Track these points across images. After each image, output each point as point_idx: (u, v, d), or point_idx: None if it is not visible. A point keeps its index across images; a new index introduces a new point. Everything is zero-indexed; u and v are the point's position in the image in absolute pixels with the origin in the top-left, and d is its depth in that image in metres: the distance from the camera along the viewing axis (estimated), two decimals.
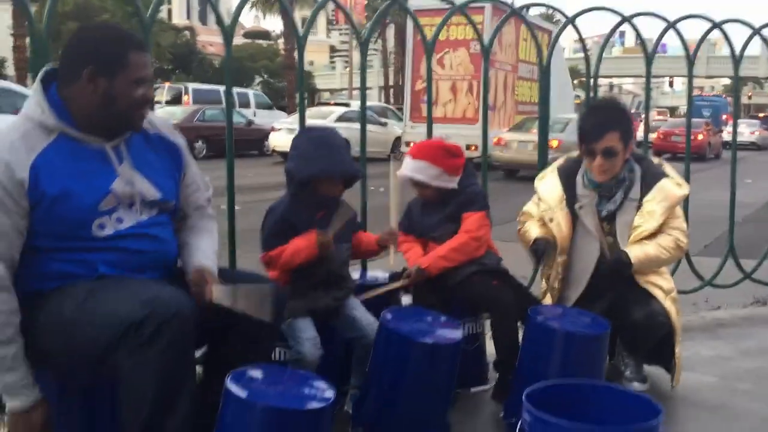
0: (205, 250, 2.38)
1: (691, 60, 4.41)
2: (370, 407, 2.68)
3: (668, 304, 3.08)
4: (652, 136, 21.85)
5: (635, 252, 3.02)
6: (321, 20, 69.04)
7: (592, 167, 3.10)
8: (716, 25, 4.49)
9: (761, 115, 42.05)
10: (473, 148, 12.09)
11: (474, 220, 3.08)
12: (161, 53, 32.85)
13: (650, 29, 4.57)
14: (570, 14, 4.16)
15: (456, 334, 2.69)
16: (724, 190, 5.01)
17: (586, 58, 4.21)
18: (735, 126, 5.08)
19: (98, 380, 2.18)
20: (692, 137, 5.51)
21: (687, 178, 3.77)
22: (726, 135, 25.37)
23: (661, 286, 3.12)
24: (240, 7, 3.49)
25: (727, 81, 60.53)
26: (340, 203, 2.89)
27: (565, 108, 17.52)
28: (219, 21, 3.21)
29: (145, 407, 1.99)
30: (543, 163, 3.95)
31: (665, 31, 4.38)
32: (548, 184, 3.25)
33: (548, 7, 4.76)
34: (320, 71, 56.60)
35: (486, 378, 3.25)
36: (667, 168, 3.22)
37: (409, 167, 3.11)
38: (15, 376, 2.06)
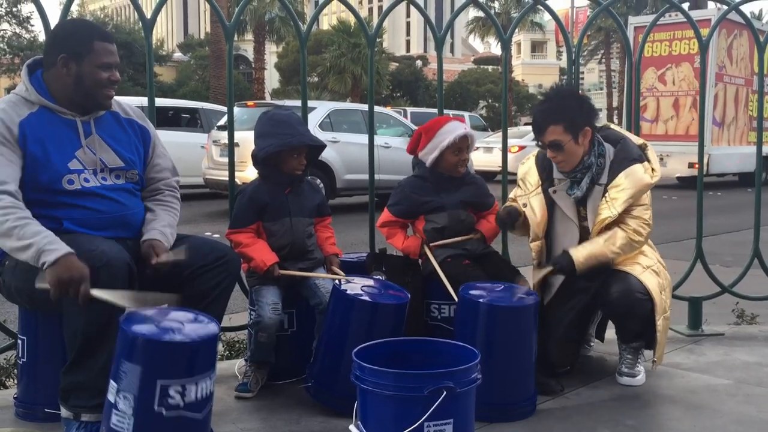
0: (160, 224, 2.67)
1: None
2: (317, 366, 2.86)
3: (647, 276, 2.99)
4: None
5: (579, 254, 2.96)
6: (551, 44, 68.50)
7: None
8: None
9: None
10: (696, 166, 11.36)
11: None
12: (380, 80, 34.37)
13: None
14: None
15: (401, 299, 2.80)
16: None
17: None
18: None
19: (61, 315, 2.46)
20: None
21: None
22: None
23: (640, 262, 3.04)
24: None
25: None
26: (305, 180, 3.10)
27: None
28: (437, 47, 3.57)
29: (76, 342, 2.34)
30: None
31: None
32: (527, 169, 3.26)
33: None
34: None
35: None
36: (649, 152, 3.10)
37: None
38: (41, 241, 2.29)
